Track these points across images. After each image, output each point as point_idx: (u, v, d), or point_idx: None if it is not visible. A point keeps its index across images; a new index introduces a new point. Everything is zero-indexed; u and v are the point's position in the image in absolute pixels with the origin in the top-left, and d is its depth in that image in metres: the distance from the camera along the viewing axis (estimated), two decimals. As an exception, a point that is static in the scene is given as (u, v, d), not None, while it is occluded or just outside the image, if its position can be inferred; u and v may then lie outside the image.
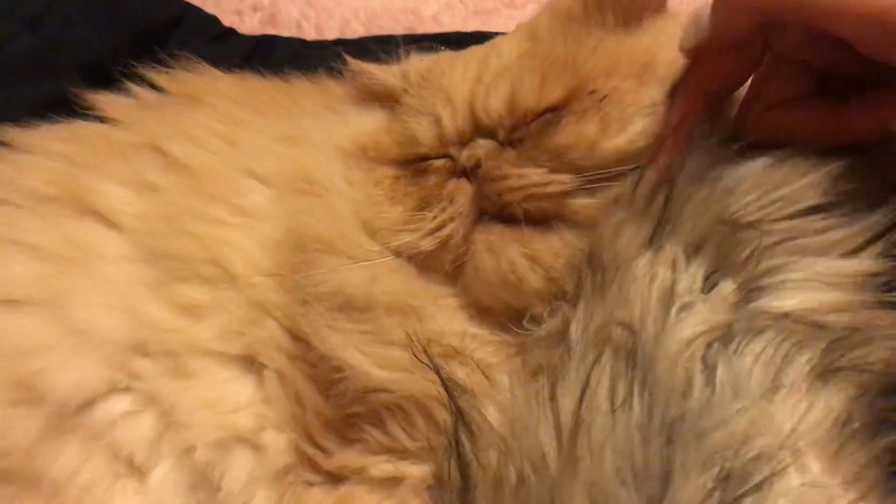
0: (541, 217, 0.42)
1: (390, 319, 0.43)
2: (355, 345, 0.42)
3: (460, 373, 0.40)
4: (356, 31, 0.92)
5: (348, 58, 0.55)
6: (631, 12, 0.45)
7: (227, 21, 0.89)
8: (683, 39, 0.39)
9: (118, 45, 0.70)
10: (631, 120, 0.41)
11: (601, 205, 0.41)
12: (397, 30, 0.93)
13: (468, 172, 0.44)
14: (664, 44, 0.43)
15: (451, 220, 0.43)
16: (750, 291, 0.35)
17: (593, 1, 0.45)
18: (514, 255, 0.41)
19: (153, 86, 0.57)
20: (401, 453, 0.42)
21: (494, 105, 0.44)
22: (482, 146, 0.44)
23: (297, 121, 0.51)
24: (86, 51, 0.69)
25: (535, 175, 0.42)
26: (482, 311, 0.44)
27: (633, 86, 0.42)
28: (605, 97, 0.41)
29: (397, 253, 0.45)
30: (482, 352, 0.42)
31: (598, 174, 0.40)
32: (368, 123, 0.51)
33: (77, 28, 0.72)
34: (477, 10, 0.95)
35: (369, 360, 0.42)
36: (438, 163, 0.46)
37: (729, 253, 0.35)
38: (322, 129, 0.51)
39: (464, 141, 0.45)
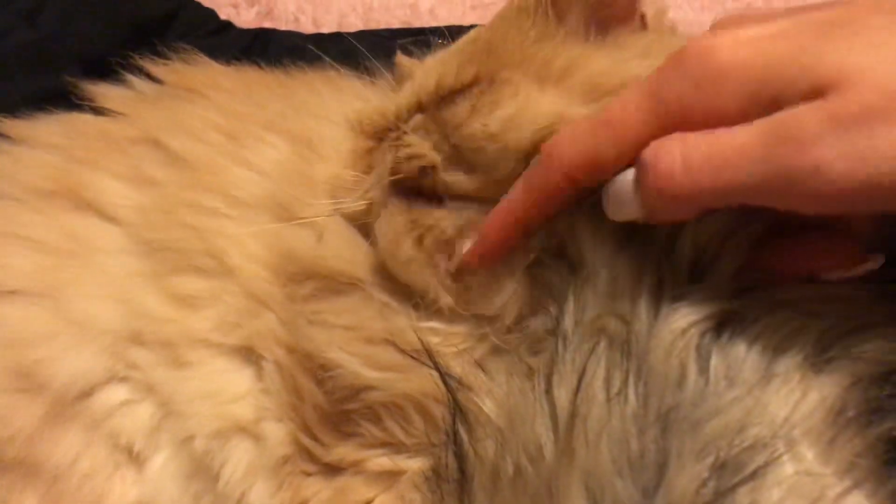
0: (432, 191, 0.43)
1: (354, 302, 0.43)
2: (339, 343, 0.42)
3: (456, 366, 0.40)
4: (354, 24, 0.93)
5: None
6: (597, 17, 0.44)
7: (223, 15, 0.90)
8: (609, 211, 0.35)
9: (116, 38, 0.71)
10: (494, 108, 0.40)
11: (474, 182, 0.41)
12: (394, 24, 0.93)
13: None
14: (599, 59, 0.41)
15: (375, 184, 0.44)
16: (742, 280, 0.35)
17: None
18: (398, 223, 0.42)
19: (151, 77, 0.57)
20: (398, 448, 0.42)
21: (428, 83, 0.44)
22: (414, 120, 0.45)
23: (299, 119, 0.51)
24: (83, 43, 0.70)
25: (419, 146, 0.43)
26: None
27: (527, 83, 0.41)
28: (493, 83, 0.41)
29: (343, 215, 0.45)
30: (449, 345, 0.41)
31: (460, 151, 0.41)
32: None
33: (74, 21, 0.72)
34: (474, 4, 0.96)
35: (357, 359, 0.42)
36: (392, 135, 0.46)
37: (717, 241, 0.35)
38: (328, 103, 0.51)
39: (409, 115, 0.46)
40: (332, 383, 0.42)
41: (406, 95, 0.46)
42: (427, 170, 0.42)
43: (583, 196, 0.36)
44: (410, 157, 0.43)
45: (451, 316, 0.41)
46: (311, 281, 0.44)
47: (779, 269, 0.35)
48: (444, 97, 0.43)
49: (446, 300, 0.41)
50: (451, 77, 0.43)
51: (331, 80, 0.55)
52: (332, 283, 0.43)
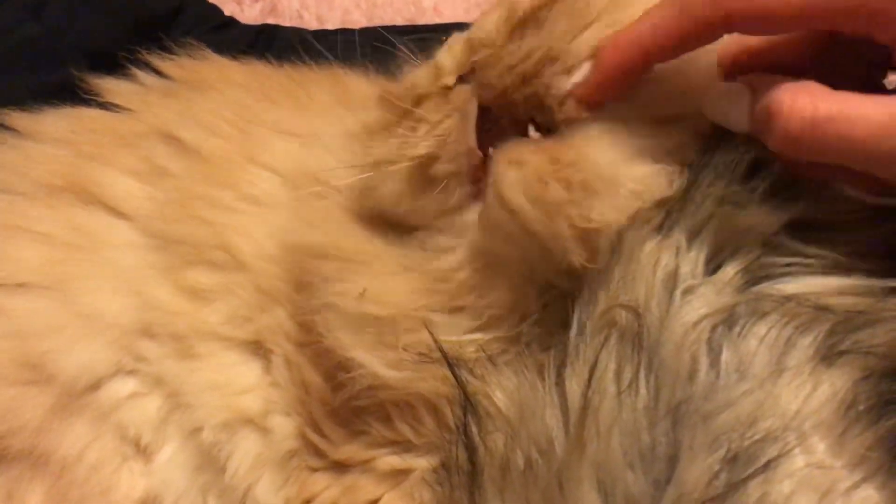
0: (547, 125, 0.38)
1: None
2: (365, 346, 0.41)
3: (467, 359, 0.40)
4: (357, 21, 0.93)
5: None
6: None
7: (227, 11, 0.90)
8: (713, 113, 0.36)
9: (121, 33, 0.71)
10: None
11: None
12: (398, 20, 0.94)
13: (464, 79, 0.40)
14: None
15: (448, 116, 0.39)
16: (753, 274, 0.35)
17: None
18: (540, 162, 0.36)
19: (158, 72, 0.57)
20: (407, 447, 0.42)
21: (489, 26, 0.40)
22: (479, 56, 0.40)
23: (309, 117, 0.51)
24: (88, 38, 0.70)
25: (527, 47, 0.38)
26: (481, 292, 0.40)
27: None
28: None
29: (376, 165, 0.41)
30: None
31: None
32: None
33: (80, 16, 0.72)
34: (478, 1, 0.96)
35: (378, 360, 0.41)
36: (435, 94, 0.41)
37: (731, 235, 0.35)
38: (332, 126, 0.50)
39: (462, 69, 0.41)
40: (347, 381, 0.42)
41: (443, 58, 0.42)
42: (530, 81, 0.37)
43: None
44: (515, 64, 0.37)
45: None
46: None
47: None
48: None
49: (579, 256, 0.36)
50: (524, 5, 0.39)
51: (337, 78, 0.55)
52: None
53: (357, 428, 0.43)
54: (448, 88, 0.40)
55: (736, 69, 0.37)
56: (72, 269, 0.47)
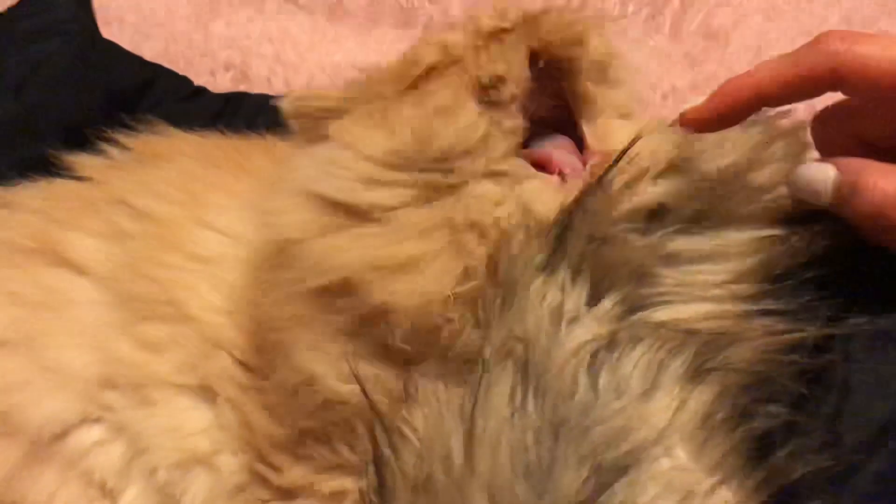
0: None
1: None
2: (330, 362, 0.45)
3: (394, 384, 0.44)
4: (323, 84, 0.98)
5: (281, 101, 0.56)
6: None
7: (201, 80, 0.95)
8: (798, 191, 0.40)
9: (95, 107, 0.77)
10: None
11: None
12: (362, 81, 0.99)
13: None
14: None
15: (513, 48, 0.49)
16: (630, 304, 0.40)
17: None
18: None
19: (122, 146, 0.63)
20: (345, 469, 0.47)
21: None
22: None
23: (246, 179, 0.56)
24: (64, 114, 0.75)
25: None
26: None
27: None
28: None
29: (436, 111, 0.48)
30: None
31: None
32: None
33: (57, 93, 0.78)
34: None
35: (336, 373, 0.45)
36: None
37: (607, 271, 0.40)
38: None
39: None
40: (300, 401, 0.46)
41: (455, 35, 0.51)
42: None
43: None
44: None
45: None
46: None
47: None
48: None
49: None
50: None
51: (269, 145, 0.61)
52: None
53: (301, 453, 0.47)
54: (506, 31, 0.49)
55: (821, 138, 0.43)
56: (39, 325, 0.51)
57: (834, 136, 0.42)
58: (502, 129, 0.47)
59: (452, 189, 0.46)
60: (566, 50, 0.49)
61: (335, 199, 0.46)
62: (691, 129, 0.42)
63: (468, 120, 0.46)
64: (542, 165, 0.48)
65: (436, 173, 0.46)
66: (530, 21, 0.49)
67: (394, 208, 0.46)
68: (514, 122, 0.47)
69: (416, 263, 0.44)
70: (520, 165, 0.47)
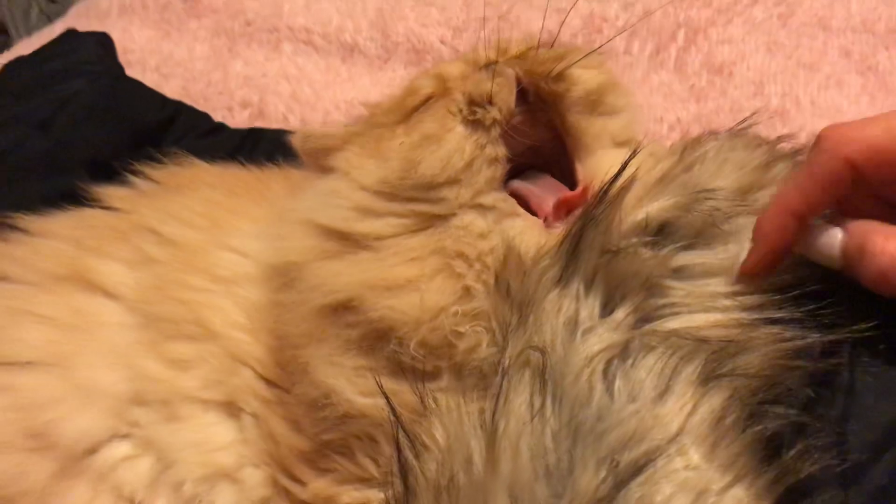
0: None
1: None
2: (347, 376, 0.48)
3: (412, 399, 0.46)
4: (338, 120, 1.01)
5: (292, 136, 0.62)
6: None
7: (218, 117, 0.99)
8: (809, 252, 0.40)
9: (119, 143, 0.80)
10: None
11: None
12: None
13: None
14: None
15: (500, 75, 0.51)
16: (643, 314, 0.41)
17: None
18: None
19: (149, 178, 0.66)
20: (368, 481, 0.48)
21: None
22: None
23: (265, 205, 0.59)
24: (91, 148, 0.78)
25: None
26: None
27: None
28: None
29: (422, 139, 0.52)
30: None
31: None
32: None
33: (83, 129, 0.81)
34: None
35: (353, 387, 0.47)
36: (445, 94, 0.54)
37: (620, 282, 0.42)
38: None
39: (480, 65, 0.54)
40: (322, 414, 0.48)
41: (452, 67, 0.56)
42: None
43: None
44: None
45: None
46: None
47: None
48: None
49: None
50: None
51: (287, 173, 0.64)
52: None
53: (324, 466, 0.49)
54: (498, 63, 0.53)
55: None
56: (71, 347, 0.53)
57: (860, 202, 0.41)
58: (486, 157, 0.50)
59: (441, 219, 0.49)
60: (551, 85, 0.52)
61: (332, 227, 0.51)
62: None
63: (454, 144, 0.50)
64: (524, 201, 0.51)
65: (424, 203, 0.49)
66: (521, 56, 0.53)
67: (386, 237, 0.50)
68: (497, 150, 0.50)
69: (412, 283, 0.47)
70: (505, 201, 0.50)
